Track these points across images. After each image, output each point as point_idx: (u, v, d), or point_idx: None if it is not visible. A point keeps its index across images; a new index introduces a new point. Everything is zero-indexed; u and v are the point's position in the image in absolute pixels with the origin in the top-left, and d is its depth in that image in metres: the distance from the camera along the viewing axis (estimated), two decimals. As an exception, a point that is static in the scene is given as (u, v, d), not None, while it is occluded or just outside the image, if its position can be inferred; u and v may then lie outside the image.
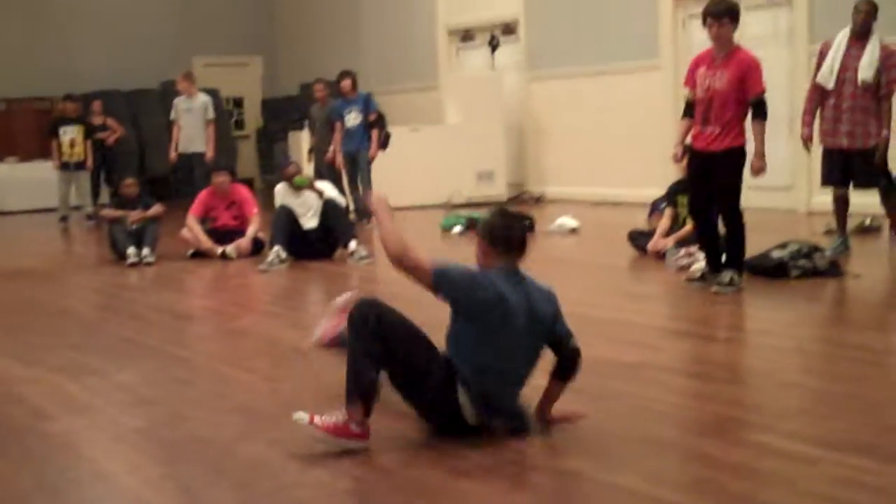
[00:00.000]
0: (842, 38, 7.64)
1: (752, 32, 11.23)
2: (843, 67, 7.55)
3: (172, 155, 12.22)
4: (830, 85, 7.58)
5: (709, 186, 6.64)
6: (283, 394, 4.62)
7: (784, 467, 3.41)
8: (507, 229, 3.85)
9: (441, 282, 3.73)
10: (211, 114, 12.22)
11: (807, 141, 7.85)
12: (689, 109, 6.70)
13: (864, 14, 7.54)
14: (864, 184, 7.79)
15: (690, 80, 6.69)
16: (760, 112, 6.43)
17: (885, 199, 7.87)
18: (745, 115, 6.49)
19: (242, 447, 3.84)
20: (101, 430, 4.22)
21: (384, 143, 11.79)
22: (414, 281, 3.75)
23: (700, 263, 6.91)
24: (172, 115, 12.26)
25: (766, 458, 3.52)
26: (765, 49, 11.02)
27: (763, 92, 6.44)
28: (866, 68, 7.47)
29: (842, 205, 7.87)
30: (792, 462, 3.45)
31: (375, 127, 11.65)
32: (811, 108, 7.82)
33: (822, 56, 7.72)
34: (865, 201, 8.05)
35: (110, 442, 4.05)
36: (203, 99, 12.25)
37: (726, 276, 6.53)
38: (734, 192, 6.57)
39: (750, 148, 6.56)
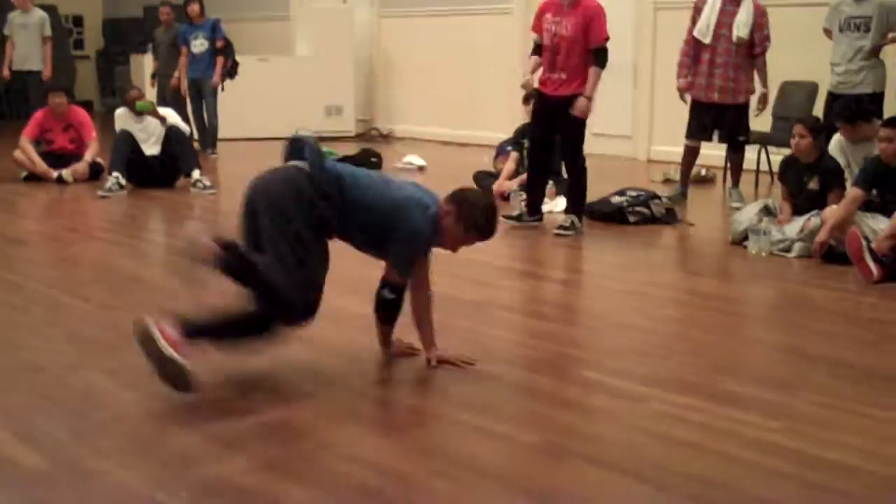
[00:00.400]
0: None
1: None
2: (719, 24, 7.72)
3: (5, 72, 11.63)
4: (707, 40, 7.75)
5: (551, 130, 6.78)
6: (120, 323, 4.52)
7: (612, 403, 3.55)
8: (491, 226, 3.87)
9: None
10: (48, 31, 11.68)
11: (683, 91, 8.00)
12: (537, 49, 6.81)
13: None
14: (727, 138, 8.03)
15: (537, 26, 6.79)
16: (601, 60, 6.58)
17: (734, 154, 8.13)
18: (587, 62, 6.62)
19: (76, 376, 3.76)
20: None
21: (231, 71, 11.53)
22: None
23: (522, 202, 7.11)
24: (6, 31, 11.65)
25: (595, 395, 3.66)
26: (612, 0, 11.23)
27: (606, 40, 6.58)
28: (741, 26, 7.67)
29: (692, 157, 8.12)
30: (620, 398, 3.59)
31: (222, 54, 11.38)
32: (686, 62, 7.97)
33: (697, 11, 7.87)
34: (701, 153, 8.31)
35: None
36: (40, 14, 11.68)
37: (567, 219, 6.71)
38: (578, 138, 6.73)
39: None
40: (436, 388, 3.73)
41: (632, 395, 3.61)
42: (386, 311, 3.86)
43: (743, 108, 7.90)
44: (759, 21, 7.72)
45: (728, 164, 8.44)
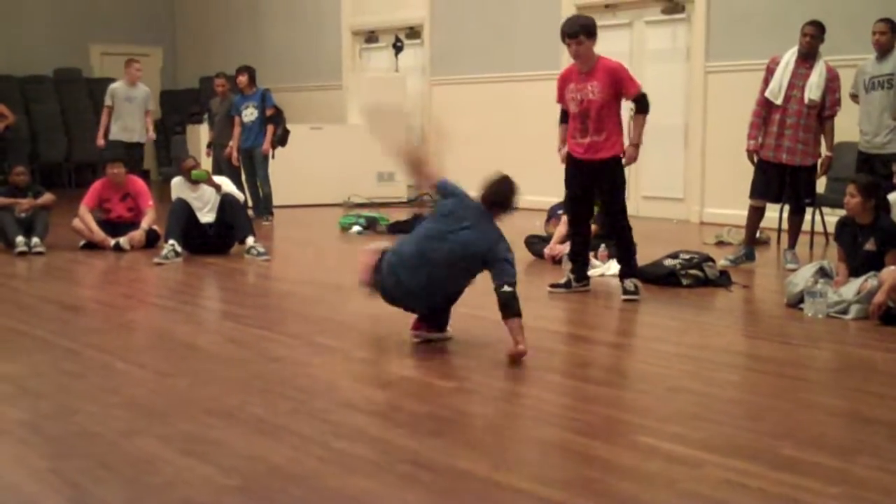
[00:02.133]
0: (790, 56, 7.82)
1: (651, 47, 11.50)
2: (791, 85, 7.74)
3: (100, 141, 11.77)
4: (779, 101, 7.77)
5: (588, 195, 6.81)
6: (174, 389, 4.56)
7: (668, 469, 3.50)
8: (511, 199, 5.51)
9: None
10: (151, 105, 12.00)
11: (753, 153, 8.00)
12: (565, 116, 6.89)
13: (810, 37, 7.72)
14: (792, 199, 8.00)
15: (561, 97, 6.86)
16: (643, 107, 6.62)
17: (795, 216, 8.07)
18: (619, 121, 6.68)
19: (131, 442, 3.78)
20: (-17, 421, 4.11)
21: (282, 139, 11.71)
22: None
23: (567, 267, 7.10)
24: (108, 101, 11.85)
25: (651, 460, 3.60)
26: (663, 64, 11.31)
27: (640, 87, 6.62)
28: (814, 88, 7.68)
29: (757, 217, 8.09)
30: (676, 464, 3.53)
31: (271, 122, 11.57)
32: (757, 123, 7.97)
33: (769, 72, 7.89)
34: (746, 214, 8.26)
35: (-7, 434, 3.95)
36: (145, 89, 11.95)
37: (630, 283, 6.66)
38: (620, 200, 6.75)
39: (645, 152, 6.73)
40: (488, 451, 3.70)
41: (688, 461, 3.56)
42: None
43: (811, 171, 7.89)
44: (832, 85, 7.72)
45: (787, 226, 8.36)
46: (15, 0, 17.56)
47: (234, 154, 11.65)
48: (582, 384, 4.80)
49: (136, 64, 11.98)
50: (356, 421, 4.02)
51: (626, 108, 6.81)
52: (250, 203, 11.19)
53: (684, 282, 7.04)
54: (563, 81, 6.82)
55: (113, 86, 11.91)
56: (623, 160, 6.63)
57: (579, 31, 6.54)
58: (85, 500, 3.23)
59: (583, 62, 6.62)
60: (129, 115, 11.73)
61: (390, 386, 4.63)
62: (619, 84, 6.56)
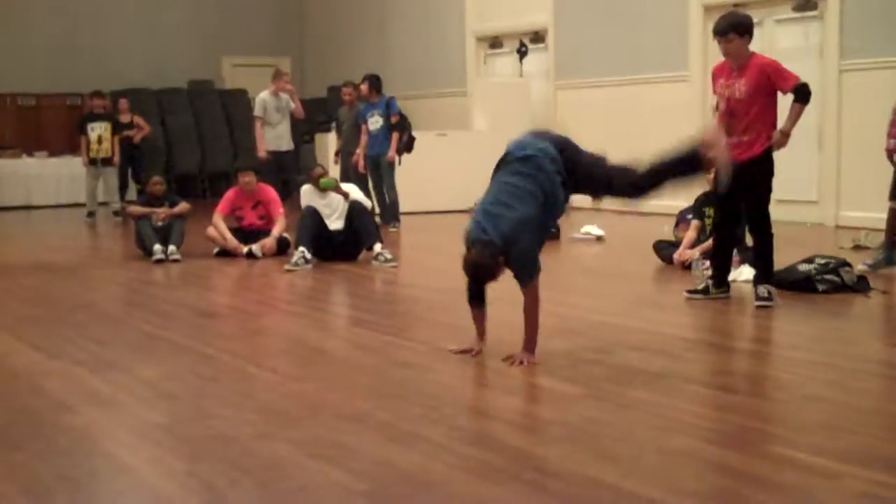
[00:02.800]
0: None
1: (783, 45, 11.22)
2: None
3: (262, 153, 11.98)
4: None
5: (735, 199, 6.62)
6: (305, 394, 4.63)
7: (805, 480, 3.39)
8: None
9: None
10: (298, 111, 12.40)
11: (892, 152, 7.76)
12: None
13: None
14: None
15: (716, 89, 6.70)
16: (802, 97, 6.37)
17: None
18: (769, 121, 6.46)
19: (264, 446, 3.85)
20: (122, 424, 4.24)
21: (408, 146, 11.81)
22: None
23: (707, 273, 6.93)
24: (258, 112, 12.18)
25: (787, 471, 3.50)
26: (795, 62, 10.96)
27: (797, 80, 6.38)
28: None
29: None
30: (813, 475, 3.42)
31: (396, 130, 11.67)
32: None
33: None
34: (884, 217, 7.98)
35: (132, 436, 4.07)
36: (287, 98, 12.31)
37: (764, 289, 6.48)
38: (763, 204, 6.54)
39: (778, 154, 6.54)
40: (618, 459, 3.64)
41: (825, 472, 3.45)
42: None
43: None
44: None
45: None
46: (150, 15, 18.15)
47: (361, 162, 11.81)
48: (715, 392, 4.70)
49: (285, 76, 12.37)
50: (484, 427, 4.01)
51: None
52: (377, 210, 11.31)
53: (820, 287, 6.83)
54: (717, 74, 6.67)
55: (261, 96, 12.19)
56: (772, 143, 6.42)
57: (728, 29, 6.41)
58: (220, 503, 3.30)
59: (734, 60, 6.48)
60: (280, 124, 12.06)
61: (518, 392, 4.61)
62: (771, 81, 6.38)
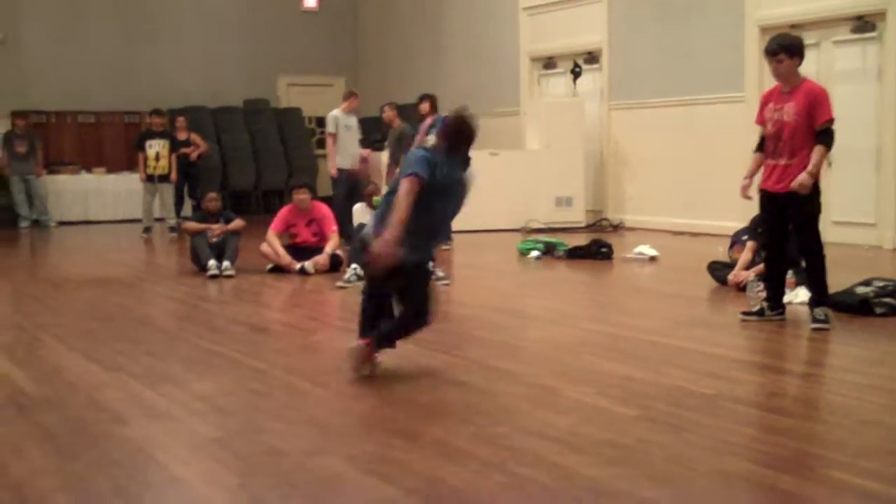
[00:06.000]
0: None
1: (840, 67, 11.11)
2: None
3: (334, 171, 12.12)
4: None
5: (782, 225, 6.58)
6: (357, 410, 4.64)
7: (863, 506, 3.34)
8: (468, 133, 5.44)
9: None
10: (360, 133, 12.48)
11: None
12: (762, 143, 6.67)
13: None
14: None
15: (760, 118, 6.67)
16: (825, 140, 6.36)
17: None
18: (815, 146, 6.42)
19: (315, 461, 3.86)
20: (177, 437, 4.28)
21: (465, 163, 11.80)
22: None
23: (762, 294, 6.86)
24: (332, 129, 12.28)
25: (844, 497, 3.45)
26: (852, 84, 10.91)
27: (831, 120, 6.37)
28: None
29: None
30: (870, 501, 3.38)
31: None
32: None
33: None
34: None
35: (186, 450, 4.11)
36: (356, 119, 12.44)
37: (821, 311, 6.41)
38: (813, 230, 6.48)
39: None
40: (670, 481, 3.61)
41: (883, 498, 3.39)
42: None
43: None
44: None
45: None
46: (208, 36, 18.39)
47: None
48: (769, 415, 4.64)
49: (357, 96, 12.44)
50: (536, 447, 4.00)
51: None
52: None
53: (878, 310, 6.73)
54: (765, 100, 6.66)
55: (333, 113, 12.34)
56: (793, 184, 6.37)
57: (779, 50, 6.40)
58: (272, 517, 3.32)
59: (784, 81, 6.45)
60: (351, 143, 12.16)
61: (570, 412, 4.58)
62: (814, 108, 6.34)
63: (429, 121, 11.90)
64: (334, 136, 12.12)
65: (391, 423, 4.35)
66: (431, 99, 11.91)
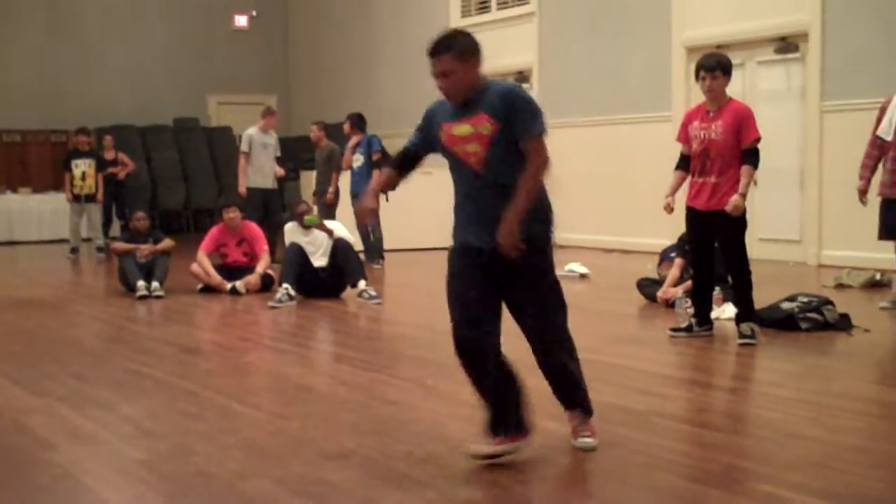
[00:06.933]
0: None
1: (764, 87, 11.34)
2: None
3: (243, 189, 11.76)
4: (890, 137, 7.72)
5: (710, 243, 6.69)
6: (289, 431, 4.61)
7: (791, 519, 3.39)
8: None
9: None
10: (279, 151, 12.15)
11: (863, 193, 7.92)
12: (683, 161, 6.77)
13: None
14: None
15: (683, 135, 6.76)
16: (752, 160, 6.48)
17: None
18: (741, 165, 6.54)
19: (246, 483, 3.83)
20: (104, 461, 4.21)
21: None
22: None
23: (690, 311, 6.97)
24: (245, 148, 11.89)
25: (773, 510, 3.50)
26: (777, 104, 11.13)
27: (758, 139, 6.50)
28: None
29: None
30: (799, 514, 3.43)
31: (377, 167, 11.70)
32: (869, 163, 7.93)
33: (882, 111, 7.85)
34: (874, 256, 8.04)
35: (114, 473, 4.04)
36: (275, 136, 12.17)
37: (747, 327, 6.51)
38: (740, 248, 6.60)
39: (761, 194, 6.58)
40: (601, 497, 3.63)
41: (810, 510, 3.45)
42: None
43: None
44: None
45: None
46: (136, 54, 18.21)
47: (330, 197, 11.85)
48: (699, 430, 4.70)
49: (274, 114, 12.18)
50: (471, 465, 3.99)
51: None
52: (361, 247, 11.31)
53: (803, 325, 6.86)
54: (688, 119, 6.76)
55: (249, 132, 11.94)
56: (726, 207, 6.48)
57: (716, 66, 6.52)
58: (202, 540, 3.28)
59: (713, 99, 6.55)
60: (266, 162, 11.88)
61: (502, 430, 4.58)
62: (742, 127, 6.46)
63: (354, 140, 11.98)
64: (247, 154, 11.81)
65: (323, 444, 4.33)
66: (351, 118, 11.90)
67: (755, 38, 11.39)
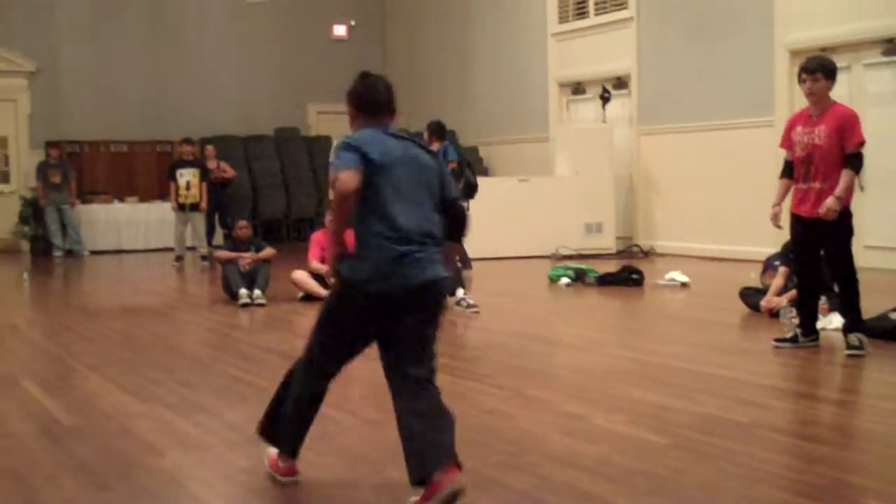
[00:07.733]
0: None
1: (872, 90, 11.05)
2: None
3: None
4: None
5: (815, 251, 6.53)
6: (386, 438, 4.63)
7: (900, 537, 3.30)
8: (371, 91, 4.19)
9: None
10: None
11: None
12: (788, 168, 6.62)
13: None
14: None
15: (787, 141, 6.62)
16: (853, 164, 6.32)
17: None
18: None
19: (346, 492, 3.86)
20: (209, 467, 4.29)
21: (466, 191, 11.68)
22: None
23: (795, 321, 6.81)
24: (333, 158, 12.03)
25: (882, 527, 3.41)
26: (884, 108, 10.85)
27: (861, 144, 6.33)
28: None
29: None
30: (909, 531, 3.33)
31: (454, 176, 11.63)
32: None
33: None
34: None
35: (219, 480, 4.12)
36: None
37: (854, 338, 6.35)
38: (846, 256, 6.43)
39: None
40: (704, 513, 3.59)
41: (921, 528, 3.35)
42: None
43: None
44: None
45: None
46: (239, 65, 18.55)
47: None
48: (804, 443, 4.60)
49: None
50: (566, 476, 3.98)
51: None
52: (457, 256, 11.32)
53: (912, 336, 6.67)
54: (791, 124, 6.63)
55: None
56: (820, 209, 6.32)
57: (818, 69, 6.39)
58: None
59: (815, 102, 6.42)
60: None
61: (601, 441, 4.56)
62: (846, 131, 6.31)
63: (434, 148, 11.95)
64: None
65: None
66: (430, 127, 11.88)
67: (862, 39, 11.12)
